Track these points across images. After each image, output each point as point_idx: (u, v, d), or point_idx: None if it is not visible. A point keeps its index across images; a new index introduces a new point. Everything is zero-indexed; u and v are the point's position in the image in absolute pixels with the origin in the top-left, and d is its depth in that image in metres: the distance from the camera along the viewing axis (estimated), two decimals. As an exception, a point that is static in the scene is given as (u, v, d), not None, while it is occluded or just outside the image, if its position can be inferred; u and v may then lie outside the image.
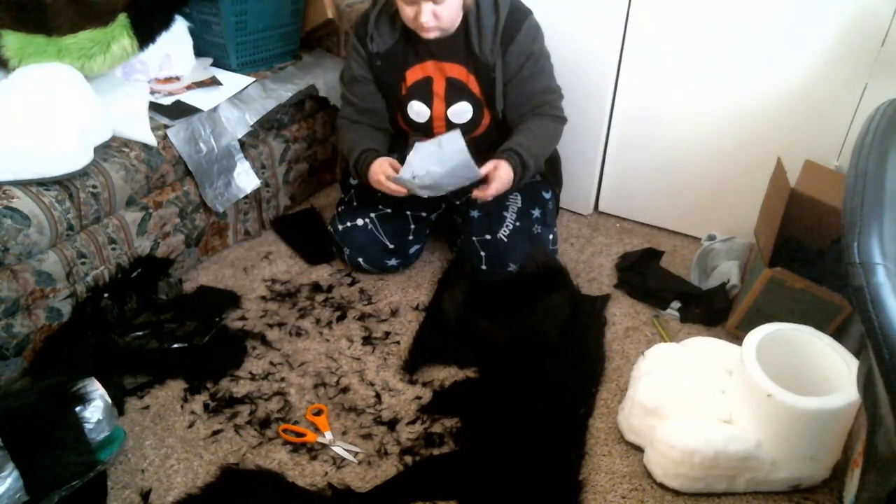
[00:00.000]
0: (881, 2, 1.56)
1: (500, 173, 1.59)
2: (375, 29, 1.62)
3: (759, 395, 1.22)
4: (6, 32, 1.63)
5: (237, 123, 1.81)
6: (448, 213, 1.88)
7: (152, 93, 1.80)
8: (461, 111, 1.67)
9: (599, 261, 1.96)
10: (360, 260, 1.82)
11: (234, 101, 1.83)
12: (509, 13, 1.58)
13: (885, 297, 0.70)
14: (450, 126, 1.69)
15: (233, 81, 1.89)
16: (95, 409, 1.27)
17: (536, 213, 1.77)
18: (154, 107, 1.74)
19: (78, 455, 1.23)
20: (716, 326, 1.72)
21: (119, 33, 1.67)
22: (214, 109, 1.78)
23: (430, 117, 1.69)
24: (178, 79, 1.89)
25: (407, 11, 1.50)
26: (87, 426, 1.25)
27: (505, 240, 1.70)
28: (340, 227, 1.82)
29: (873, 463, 0.82)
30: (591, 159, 2.06)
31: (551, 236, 1.82)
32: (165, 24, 1.80)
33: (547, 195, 1.83)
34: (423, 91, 1.66)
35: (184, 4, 1.87)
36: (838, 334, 1.49)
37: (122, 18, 1.67)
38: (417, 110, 1.69)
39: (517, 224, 1.72)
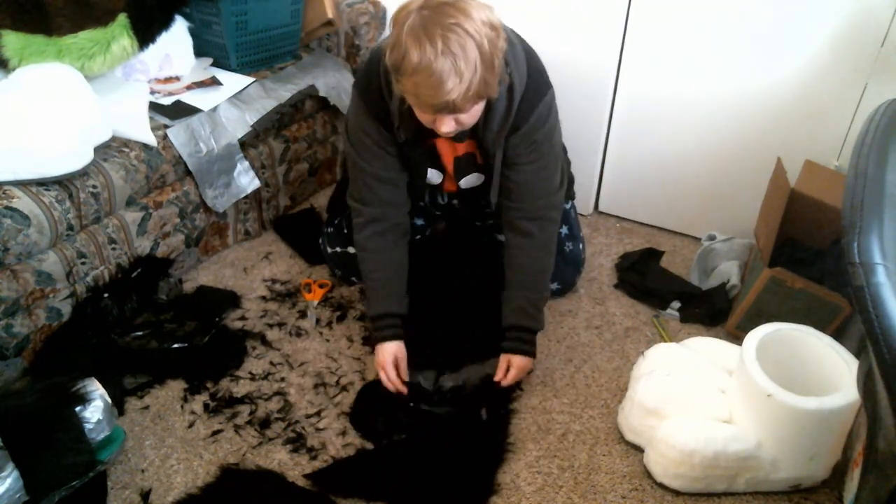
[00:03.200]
0: (881, 2, 1.56)
1: (516, 364, 1.48)
2: (400, 115, 1.36)
3: (759, 395, 1.22)
4: (6, 32, 1.63)
5: (237, 123, 1.81)
6: (460, 232, 1.83)
7: (152, 93, 1.80)
8: (472, 180, 1.55)
9: (599, 261, 1.96)
10: (354, 279, 1.82)
11: (234, 101, 1.83)
12: (521, 100, 1.35)
13: (885, 297, 0.70)
14: (461, 192, 1.58)
15: (233, 81, 1.89)
16: (95, 409, 1.27)
17: (564, 230, 1.74)
18: (154, 107, 1.74)
19: (78, 455, 1.23)
20: (716, 326, 1.72)
21: (119, 33, 1.67)
22: (214, 109, 1.78)
23: (443, 181, 1.58)
24: (178, 79, 1.89)
25: (425, 118, 1.27)
26: (87, 426, 1.25)
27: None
28: (330, 250, 1.79)
29: (873, 463, 0.82)
30: (591, 159, 2.06)
31: (581, 245, 1.80)
32: (165, 24, 1.80)
33: (567, 206, 1.77)
34: (437, 161, 1.54)
35: (184, 4, 1.87)
36: (838, 334, 1.49)
37: (122, 18, 1.67)
38: (431, 175, 1.55)
39: None
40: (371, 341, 1.60)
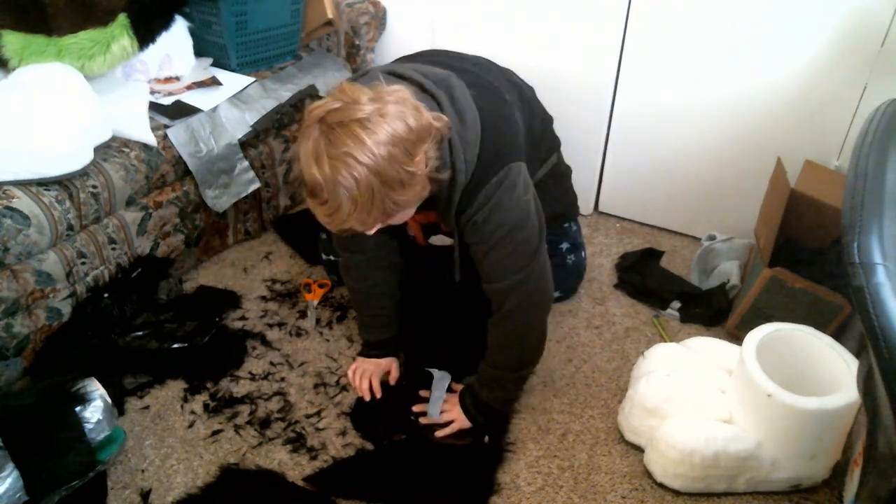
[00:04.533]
0: (881, 2, 1.56)
1: (458, 421, 1.42)
2: None
3: (759, 395, 1.22)
4: (6, 32, 1.63)
5: (237, 123, 1.81)
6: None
7: (152, 93, 1.80)
8: (441, 239, 1.51)
9: (599, 261, 1.96)
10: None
11: (234, 101, 1.83)
12: (465, 188, 1.21)
13: (885, 297, 0.70)
14: (433, 246, 1.56)
15: (233, 81, 1.89)
16: (95, 409, 1.27)
17: (565, 245, 1.73)
18: (154, 107, 1.74)
19: (78, 455, 1.23)
20: (716, 326, 1.72)
21: (119, 33, 1.67)
22: (214, 109, 1.78)
23: (413, 238, 1.56)
24: (178, 79, 1.89)
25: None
26: (87, 426, 1.25)
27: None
28: (325, 256, 1.79)
29: (873, 463, 0.82)
30: (591, 159, 2.06)
31: (583, 254, 1.80)
32: (165, 24, 1.80)
33: (566, 224, 1.74)
34: (401, 227, 1.42)
35: (184, 4, 1.87)
36: (838, 334, 1.49)
37: (122, 18, 1.67)
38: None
39: (553, 260, 1.50)
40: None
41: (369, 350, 1.54)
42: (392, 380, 1.52)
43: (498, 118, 1.27)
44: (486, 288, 1.33)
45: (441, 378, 1.50)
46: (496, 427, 1.44)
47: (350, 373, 1.52)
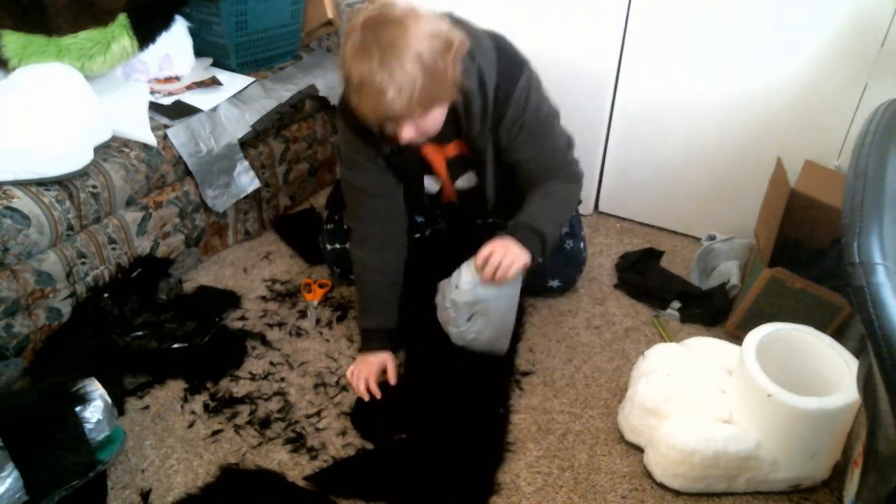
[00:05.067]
0: (881, 2, 1.56)
1: (497, 243, 1.41)
2: (380, 133, 1.35)
3: (759, 395, 1.22)
4: (6, 32, 1.63)
5: (237, 123, 1.81)
6: (460, 231, 1.81)
7: (152, 93, 1.80)
8: (467, 180, 1.56)
9: (599, 261, 1.96)
10: (352, 277, 1.81)
11: (234, 101, 1.83)
12: (497, 87, 1.36)
13: (885, 297, 0.70)
14: (460, 193, 1.60)
15: (233, 81, 1.89)
16: (95, 409, 1.27)
17: (565, 229, 1.74)
18: (154, 107, 1.74)
19: (78, 455, 1.23)
20: (716, 326, 1.72)
21: (119, 33, 1.67)
22: (214, 109, 1.78)
23: (440, 185, 1.60)
24: (178, 79, 1.90)
25: (387, 127, 1.28)
26: (87, 426, 1.25)
27: (541, 260, 1.57)
28: (329, 246, 1.78)
29: (873, 463, 0.82)
30: (591, 159, 2.06)
31: (581, 244, 1.80)
32: (165, 24, 1.80)
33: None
34: (430, 168, 1.54)
35: (184, 4, 1.87)
36: (838, 334, 1.49)
37: (122, 18, 1.67)
38: (427, 183, 1.57)
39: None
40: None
41: (369, 343, 1.54)
42: (391, 378, 1.52)
43: (495, 34, 1.41)
44: (526, 178, 1.49)
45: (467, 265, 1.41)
46: (544, 250, 1.45)
47: (348, 374, 1.53)
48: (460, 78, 1.26)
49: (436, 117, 1.29)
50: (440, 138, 1.40)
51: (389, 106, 1.18)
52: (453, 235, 1.85)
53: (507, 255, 1.37)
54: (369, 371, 1.50)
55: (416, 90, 1.18)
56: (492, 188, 1.50)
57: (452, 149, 1.49)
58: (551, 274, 1.74)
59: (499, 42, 1.40)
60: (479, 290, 1.40)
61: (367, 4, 2.17)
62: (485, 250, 1.39)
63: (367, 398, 1.48)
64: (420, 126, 1.27)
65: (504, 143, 1.43)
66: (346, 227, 1.69)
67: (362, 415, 1.47)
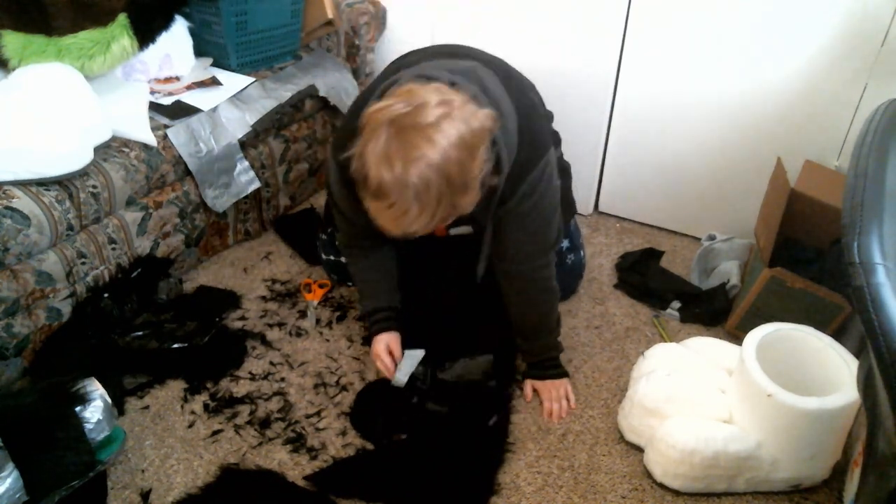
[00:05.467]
0: (881, 2, 1.56)
1: (560, 386, 1.52)
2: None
3: (759, 395, 1.22)
4: (6, 32, 1.63)
5: (237, 123, 1.81)
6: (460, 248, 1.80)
7: (152, 93, 1.80)
8: (461, 230, 1.50)
9: (599, 261, 1.96)
10: (350, 283, 1.83)
11: (234, 101, 1.83)
12: (510, 174, 1.25)
13: (885, 297, 0.70)
14: (449, 236, 1.54)
15: (233, 81, 1.89)
16: (95, 409, 1.27)
17: (565, 244, 1.73)
18: (154, 107, 1.74)
19: (78, 455, 1.23)
20: (716, 326, 1.72)
21: (119, 33, 1.67)
22: (214, 109, 1.78)
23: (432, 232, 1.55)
24: (178, 79, 1.89)
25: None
26: (87, 426, 1.25)
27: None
28: (324, 256, 1.79)
29: (873, 463, 0.82)
30: (591, 160, 2.06)
31: (582, 253, 1.80)
32: (165, 24, 1.80)
33: (565, 223, 1.73)
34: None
35: (184, 4, 1.86)
36: (838, 334, 1.49)
37: (122, 18, 1.67)
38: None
39: None
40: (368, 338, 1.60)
41: (377, 324, 1.51)
42: (396, 354, 1.50)
43: (529, 105, 1.30)
44: (504, 267, 1.41)
45: (413, 353, 1.51)
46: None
47: (379, 359, 1.48)
48: (487, 173, 1.14)
49: (451, 218, 1.18)
50: None
51: (408, 225, 1.09)
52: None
53: (559, 397, 1.51)
54: (383, 352, 1.48)
55: (440, 211, 1.08)
56: (483, 266, 1.40)
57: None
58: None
59: (528, 119, 1.27)
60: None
61: (367, 4, 2.17)
62: (546, 406, 1.50)
63: (392, 371, 1.46)
64: (437, 227, 1.18)
65: (499, 225, 1.35)
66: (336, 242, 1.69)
67: (362, 415, 1.47)
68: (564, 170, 1.73)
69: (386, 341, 1.50)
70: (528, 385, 1.54)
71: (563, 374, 1.55)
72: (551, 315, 1.51)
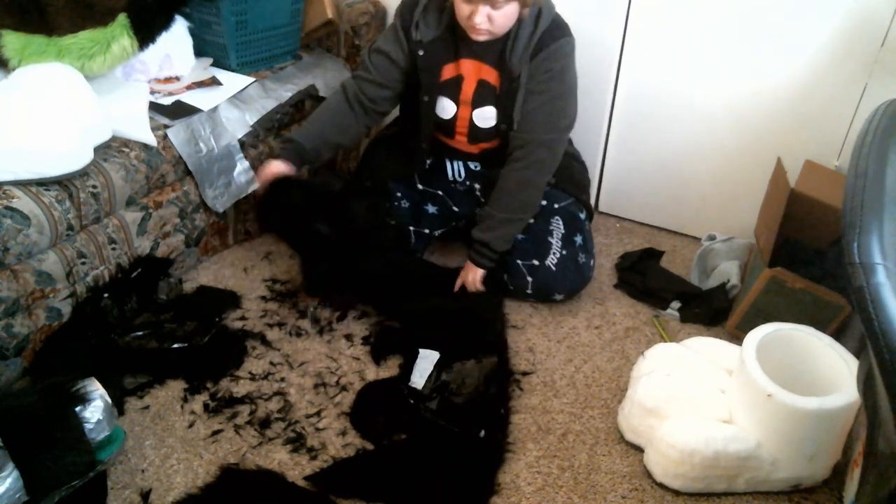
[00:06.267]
0: (881, 2, 1.56)
1: (470, 273, 1.70)
2: (423, 17, 1.56)
3: (759, 395, 1.22)
4: (6, 32, 1.63)
5: (237, 123, 1.81)
6: (467, 227, 1.85)
7: (152, 93, 1.80)
8: (486, 115, 1.63)
9: (599, 261, 1.96)
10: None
11: (234, 101, 1.83)
12: (547, 28, 1.53)
13: (885, 297, 0.70)
14: (472, 128, 1.67)
15: (233, 81, 1.89)
16: (95, 409, 1.27)
17: (579, 240, 1.74)
18: (154, 107, 1.74)
19: (78, 455, 1.23)
20: (716, 326, 1.72)
21: (119, 33, 1.67)
22: (214, 109, 1.78)
23: (455, 115, 1.66)
24: (178, 79, 1.89)
25: (463, 9, 1.45)
26: (87, 426, 1.25)
27: (553, 268, 1.68)
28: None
29: (873, 463, 0.82)
30: (591, 159, 2.06)
31: (592, 262, 1.79)
32: (165, 24, 1.80)
33: (582, 215, 1.80)
34: (453, 89, 1.63)
35: (184, 4, 1.86)
36: (838, 334, 1.49)
37: (122, 18, 1.67)
38: (444, 106, 1.65)
39: (563, 252, 1.69)
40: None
41: (282, 151, 1.66)
42: (271, 169, 1.61)
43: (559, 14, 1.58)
44: (520, 136, 1.60)
45: (428, 355, 1.54)
46: (498, 270, 1.72)
47: (263, 170, 1.63)
48: None
49: (508, 13, 1.45)
50: (483, 56, 1.54)
51: None
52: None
53: (470, 279, 1.69)
54: (269, 170, 1.62)
55: None
56: (520, 112, 1.58)
57: (488, 72, 1.58)
58: (559, 288, 1.73)
59: (559, 15, 1.58)
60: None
61: (367, 4, 2.17)
62: (459, 281, 1.72)
63: (263, 182, 1.62)
64: (493, 18, 1.43)
65: (530, 82, 1.55)
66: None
67: (362, 415, 1.47)
68: (580, 161, 1.85)
69: (276, 164, 1.63)
70: (465, 269, 1.71)
71: (486, 266, 1.69)
72: (532, 193, 1.65)
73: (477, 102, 1.62)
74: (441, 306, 1.69)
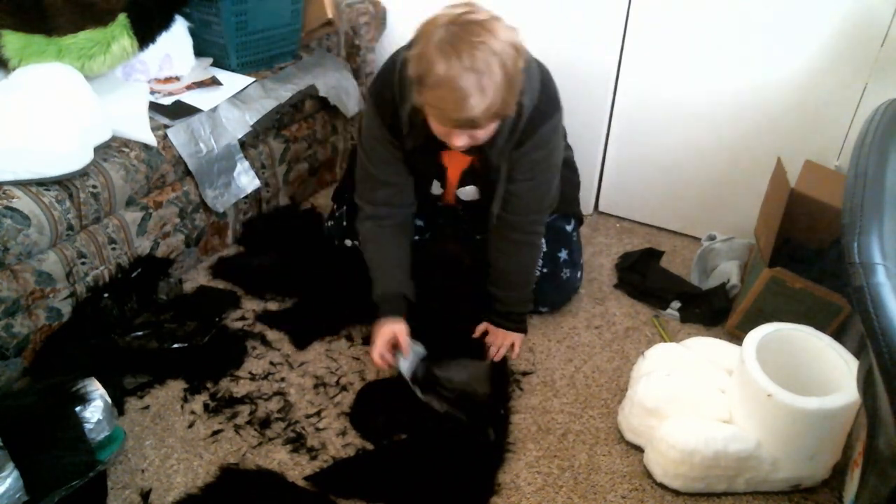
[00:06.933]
0: (881, 2, 1.56)
1: (514, 340, 1.63)
2: (408, 125, 1.39)
3: (759, 395, 1.22)
4: (6, 32, 1.63)
5: (237, 123, 1.81)
6: (458, 238, 1.81)
7: (152, 93, 1.80)
8: (469, 193, 1.57)
9: (599, 261, 1.96)
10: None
11: (234, 101, 1.83)
12: (530, 116, 1.37)
13: (885, 297, 0.70)
14: (458, 199, 1.61)
15: (233, 81, 1.89)
16: (95, 409, 1.27)
17: (563, 255, 1.71)
18: (154, 107, 1.74)
19: (78, 455, 1.23)
20: (716, 326, 1.72)
21: (119, 33, 1.67)
22: (214, 109, 1.78)
23: (443, 194, 1.60)
24: (178, 79, 1.89)
25: (438, 130, 1.29)
26: (87, 426, 1.25)
27: (534, 285, 1.65)
28: (337, 242, 1.79)
29: (873, 463, 0.82)
30: (592, 160, 2.06)
31: (579, 274, 1.78)
32: (165, 24, 1.80)
33: (570, 227, 1.74)
34: (440, 176, 1.55)
35: (184, 4, 1.86)
36: (838, 334, 1.49)
37: (122, 18, 1.67)
38: (433, 186, 1.58)
39: (545, 270, 1.67)
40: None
41: (381, 309, 1.50)
42: (404, 349, 1.48)
43: (545, 69, 1.43)
44: (506, 218, 1.50)
45: (419, 347, 1.53)
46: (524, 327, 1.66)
47: (374, 345, 1.48)
48: (518, 98, 1.26)
49: (492, 129, 1.30)
50: (466, 150, 1.38)
51: (469, 110, 1.16)
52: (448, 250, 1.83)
53: (506, 345, 1.61)
54: (381, 340, 1.47)
55: (498, 100, 1.17)
56: (499, 204, 1.49)
57: (471, 159, 1.49)
58: (542, 301, 1.72)
59: (545, 76, 1.42)
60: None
61: (367, 4, 2.17)
62: (492, 350, 1.60)
63: (383, 366, 1.48)
64: (475, 136, 1.27)
65: (512, 170, 1.44)
66: (344, 220, 1.73)
67: (362, 415, 1.47)
68: (571, 167, 1.77)
69: (392, 328, 1.47)
70: (484, 326, 1.63)
71: (522, 329, 1.64)
72: (531, 270, 1.60)
73: (462, 183, 1.56)
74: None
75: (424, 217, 1.79)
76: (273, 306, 1.76)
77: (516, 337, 1.63)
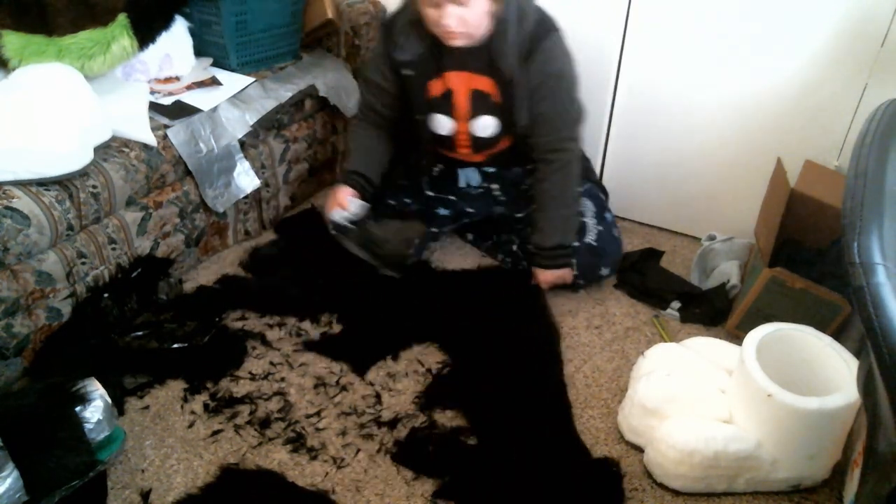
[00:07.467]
0: (881, 2, 1.56)
1: (558, 274, 1.72)
2: (403, 36, 1.54)
3: (759, 395, 1.22)
4: (6, 32, 1.63)
5: (237, 123, 1.81)
6: (490, 224, 1.91)
7: (152, 93, 1.80)
8: (485, 125, 1.62)
9: (599, 261, 1.96)
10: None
11: (234, 101, 1.83)
12: (533, 29, 1.51)
13: (885, 297, 0.70)
14: (474, 139, 1.66)
15: (233, 81, 1.89)
16: (95, 409, 1.27)
17: (609, 216, 1.81)
18: (154, 107, 1.74)
19: (78, 455, 1.23)
20: (716, 326, 1.72)
21: (119, 33, 1.67)
22: (214, 109, 1.78)
23: (453, 130, 1.65)
24: (178, 79, 1.90)
25: (430, 14, 1.43)
26: (87, 426, 1.25)
27: (595, 244, 1.71)
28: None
29: (873, 463, 0.82)
30: (592, 160, 2.06)
31: (621, 236, 1.85)
32: (165, 24, 1.80)
33: (604, 197, 1.88)
34: (445, 105, 1.60)
35: (184, 4, 1.87)
36: (838, 334, 1.49)
37: (122, 18, 1.67)
38: (439, 122, 1.64)
39: (601, 228, 1.73)
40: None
41: (346, 179, 1.72)
42: (343, 203, 1.68)
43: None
44: (538, 142, 1.61)
45: (360, 203, 1.71)
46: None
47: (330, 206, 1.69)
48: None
49: (479, 11, 1.42)
50: (470, 66, 1.52)
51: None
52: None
53: (552, 281, 1.73)
54: (331, 198, 1.69)
55: None
56: (523, 114, 1.58)
57: (479, 81, 1.56)
58: (605, 262, 1.77)
59: (539, 10, 1.56)
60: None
61: (367, 4, 2.17)
62: (541, 284, 1.75)
63: (339, 216, 1.67)
64: (464, 18, 1.40)
65: (529, 88, 1.54)
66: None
67: (338, 228, 1.67)
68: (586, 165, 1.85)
69: (343, 191, 1.69)
70: (538, 272, 1.72)
71: (568, 264, 1.71)
72: (574, 192, 1.68)
73: (473, 114, 1.60)
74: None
75: (451, 208, 1.81)
76: (313, 329, 1.72)
77: (566, 271, 1.71)
